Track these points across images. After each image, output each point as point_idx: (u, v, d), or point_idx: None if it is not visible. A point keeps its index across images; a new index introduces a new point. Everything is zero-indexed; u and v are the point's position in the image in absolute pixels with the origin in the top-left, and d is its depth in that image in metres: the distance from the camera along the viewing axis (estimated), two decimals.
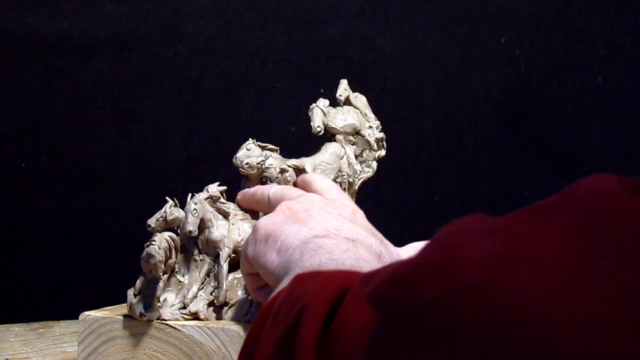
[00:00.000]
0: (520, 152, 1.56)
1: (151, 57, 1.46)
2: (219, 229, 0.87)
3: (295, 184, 0.89)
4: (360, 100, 1.07)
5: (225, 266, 0.86)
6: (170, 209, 0.85)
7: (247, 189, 0.87)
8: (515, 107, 1.55)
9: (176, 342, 0.83)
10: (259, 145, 0.96)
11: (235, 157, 0.96)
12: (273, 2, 1.48)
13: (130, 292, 0.85)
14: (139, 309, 0.84)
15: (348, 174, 1.03)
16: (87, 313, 0.87)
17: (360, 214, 0.75)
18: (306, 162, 0.99)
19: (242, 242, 0.88)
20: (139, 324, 0.84)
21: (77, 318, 0.86)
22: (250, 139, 0.96)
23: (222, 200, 0.88)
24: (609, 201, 0.34)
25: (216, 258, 0.87)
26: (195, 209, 0.85)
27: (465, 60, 1.54)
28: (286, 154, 1.01)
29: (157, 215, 0.85)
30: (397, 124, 1.52)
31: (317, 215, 0.68)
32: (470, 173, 1.54)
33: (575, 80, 1.57)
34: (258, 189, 0.84)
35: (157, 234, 0.84)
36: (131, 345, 0.85)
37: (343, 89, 1.06)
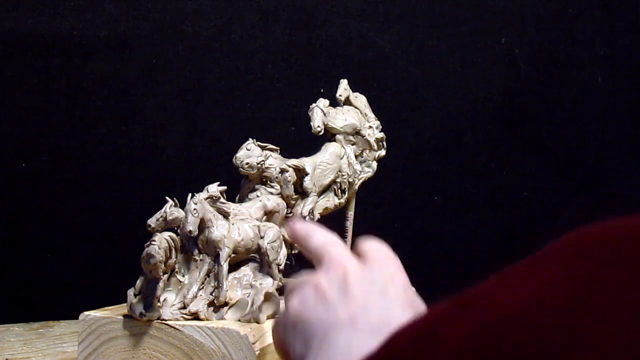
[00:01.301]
0: (520, 152, 1.56)
1: (151, 57, 1.46)
2: (219, 229, 0.87)
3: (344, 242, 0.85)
4: (360, 100, 1.07)
5: (225, 266, 0.86)
6: (170, 209, 0.85)
7: (296, 225, 0.81)
8: (515, 107, 1.55)
9: (176, 342, 0.83)
10: (259, 145, 0.96)
11: (236, 157, 0.96)
12: (273, 2, 1.48)
13: (131, 292, 0.85)
14: (139, 308, 0.84)
15: (348, 174, 1.03)
16: (87, 313, 0.87)
17: (399, 280, 0.72)
18: (306, 162, 0.99)
19: (242, 242, 0.88)
20: (139, 323, 0.84)
21: (77, 318, 0.86)
22: (250, 139, 0.96)
23: (222, 200, 0.88)
24: (593, 253, 0.35)
25: (216, 258, 0.87)
26: (195, 209, 0.85)
27: (465, 60, 1.54)
28: (286, 154, 1.01)
29: (157, 215, 0.85)
30: (397, 124, 1.52)
31: (347, 296, 0.66)
32: (470, 173, 1.54)
33: (575, 80, 1.57)
34: (308, 234, 0.78)
35: (157, 234, 0.84)
36: (131, 345, 0.85)
37: (343, 89, 1.06)
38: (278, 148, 0.98)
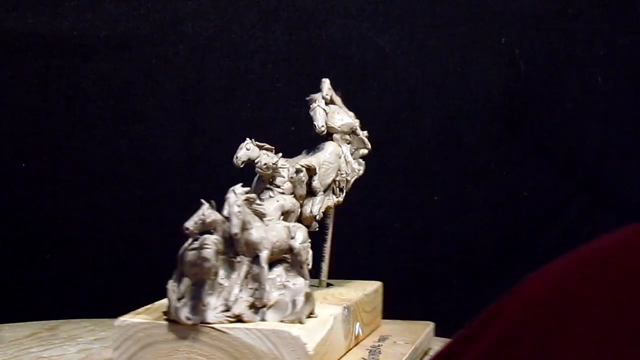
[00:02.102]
0: (520, 152, 1.55)
1: (151, 57, 1.46)
2: (258, 231, 0.86)
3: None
4: (337, 99, 1.08)
5: (266, 267, 0.86)
6: (208, 211, 0.84)
7: None
8: (515, 107, 1.55)
9: (222, 345, 0.82)
10: (257, 145, 0.96)
11: (237, 157, 0.96)
12: (273, 2, 1.48)
13: (174, 297, 0.84)
14: (185, 313, 0.83)
15: (346, 172, 1.04)
16: (122, 319, 0.85)
17: None
18: (312, 161, 1.00)
19: (277, 243, 0.88)
20: (181, 327, 0.83)
21: (77, 318, 0.86)
22: (248, 139, 0.97)
23: (258, 201, 0.88)
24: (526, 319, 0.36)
25: (254, 259, 0.86)
26: (239, 211, 0.85)
27: (465, 60, 1.53)
28: (286, 154, 1.01)
29: (195, 218, 0.84)
30: (397, 124, 1.52)
31: None
32: (470, 173, 1.54)
33: (575, 80, 1.57)
34: None
35: (201, 236, 0.83)
36: (172, 350, 0.83)
37: (327, 88, 1.06)
38: (273, 148, 0.98)
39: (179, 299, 0.83)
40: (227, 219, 0.84)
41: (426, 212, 1.52)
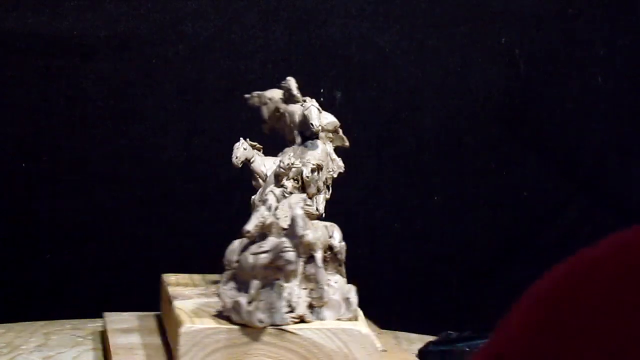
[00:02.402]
0: (520, 152, 1.55)
1: (151, 57, 1.46)
2: (313, 232, 0.87)
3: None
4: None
5: (322, 267, 0.87)
6: (267, 214, 0.85)
7: None
8: (515, 107, 1.55)
9: (292, 346, 0.82)
10: (250, 144, 0.97)
11: (236, 157, 0.97)
12: (273, 2, 1.48)
13: (243, 300, 0.84)
14: (257, 316, 0.83)
15: (333, 170, 1.04)
16: (189, 325, 0.85)
17: None
18: (313, 159, 1.00)
19: (324, 243, 0.89)
20: (251, 331, 0.83)
21: (77, 318, 0.86)
22: (242, 139, 0.98)
23: (308, 202, 0.90)
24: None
25: (309, 259, 0.87)
26: (304, 214, 0.86)
27: (465, 60, 1.53)
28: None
29: (255, 221, 0.85)
30: (397, 124, 1.52)
31: None
32: (470, 173, 1.54)
33: (575, 80, 1.57)
34: None
35: (259, 239, 0.84)
36: (242, 353, 0.83)
37: (296, 87, 1.07)
38: (262, 147, 0.99)
39: (249, 302, 0.83)
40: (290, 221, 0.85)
41: (426, 212, 1.52)
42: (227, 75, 1.48)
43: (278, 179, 0.96)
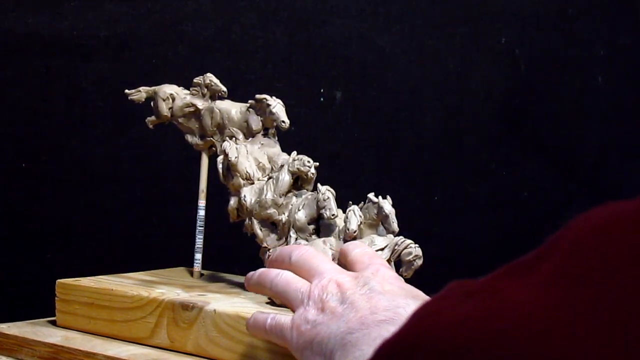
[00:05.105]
0: (520, 152, 1.55)
1: (151, 57, 1.46)
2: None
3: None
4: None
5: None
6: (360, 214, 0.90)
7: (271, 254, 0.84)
8: (515, 107, 1.55)
9: None
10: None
11: (235, 157, 0.96)
12: (273, 2, 1.48)
13: None
14: None
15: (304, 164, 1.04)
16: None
17: (389, 276, 0.74)
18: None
19: None
20: None
21: None
22: (233, 138, 0.99)
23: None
24: (588, 245, 0.35)
25: None
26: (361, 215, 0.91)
27: (465, 60, 1.54)
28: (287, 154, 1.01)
29: (356, 219, 0.89)
30: (397, 124, 1.52)
31: (351, 303, 0.67)
32: (470, 173, 1.54)
33: (575, 80, 1.57)
34: (279, 254, 0.80)
35: (376, 236, 0.91)
36: None
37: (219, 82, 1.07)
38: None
39: None
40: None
41: (426, 212, 1.52)
42: (227, 75, 1.48)
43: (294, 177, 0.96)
